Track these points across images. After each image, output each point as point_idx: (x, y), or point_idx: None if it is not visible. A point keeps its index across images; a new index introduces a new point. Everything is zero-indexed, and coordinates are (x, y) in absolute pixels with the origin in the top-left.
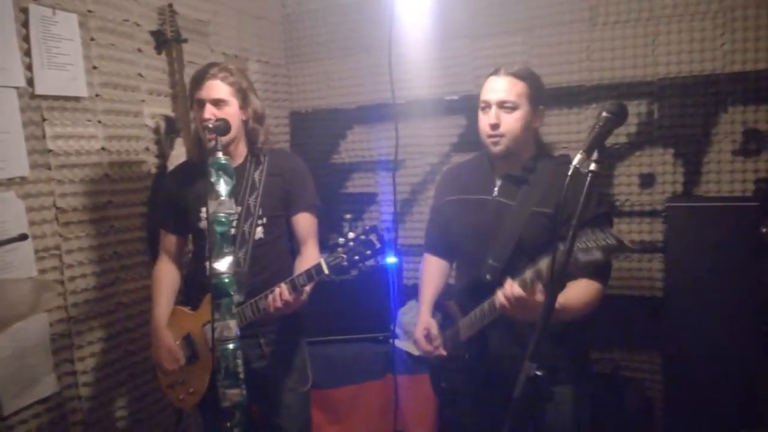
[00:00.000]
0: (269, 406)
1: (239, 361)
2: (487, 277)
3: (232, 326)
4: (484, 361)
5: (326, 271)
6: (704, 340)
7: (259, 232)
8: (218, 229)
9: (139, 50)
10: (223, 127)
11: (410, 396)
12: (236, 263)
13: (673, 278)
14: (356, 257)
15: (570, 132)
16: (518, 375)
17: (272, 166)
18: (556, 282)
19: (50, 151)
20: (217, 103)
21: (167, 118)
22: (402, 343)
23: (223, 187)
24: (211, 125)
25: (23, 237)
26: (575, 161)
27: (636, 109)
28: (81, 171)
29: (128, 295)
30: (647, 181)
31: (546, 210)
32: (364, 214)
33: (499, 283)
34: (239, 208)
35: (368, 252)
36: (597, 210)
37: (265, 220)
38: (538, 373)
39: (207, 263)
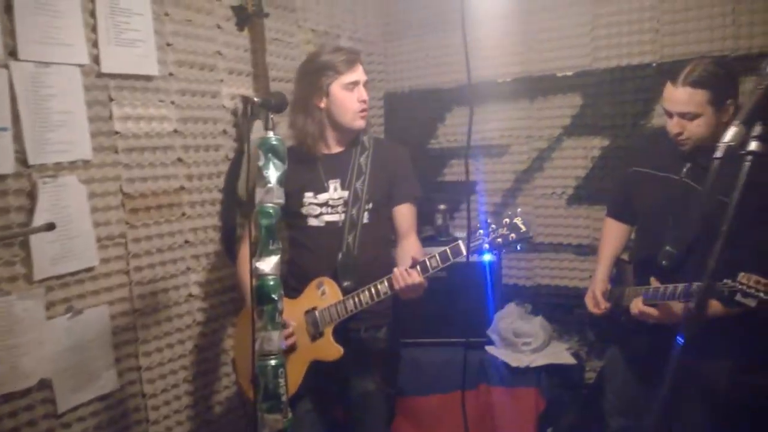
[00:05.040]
0: (353, 401)
1: (281, 381)
2: (663, 263)
3: (275, 338)
4: (640, 332)
5: (464, 252)
6: None
7: (366, 216)
8: (264, 222)
9: (218, 27)
10: (277, 102)
11: (505, 410)
12: (346, 247)
13: None
14: (499, 239)
15: None
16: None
17: (377, 153)
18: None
19: (117, 133)
20: (365, 84)
21: (247, 99)
22: (498, 351)
23: (272, 173)
24: (260, 100)
25: (50, 227)
26: (727, 136)
27: None
28: (151, 155)
29: (200, 286)
30: None
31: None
32: (461, 205)
33: (674, 270)
34: (346, 193)
35: (512, 236)
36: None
37: (371, 205)
38: None
39: (307, 250)
